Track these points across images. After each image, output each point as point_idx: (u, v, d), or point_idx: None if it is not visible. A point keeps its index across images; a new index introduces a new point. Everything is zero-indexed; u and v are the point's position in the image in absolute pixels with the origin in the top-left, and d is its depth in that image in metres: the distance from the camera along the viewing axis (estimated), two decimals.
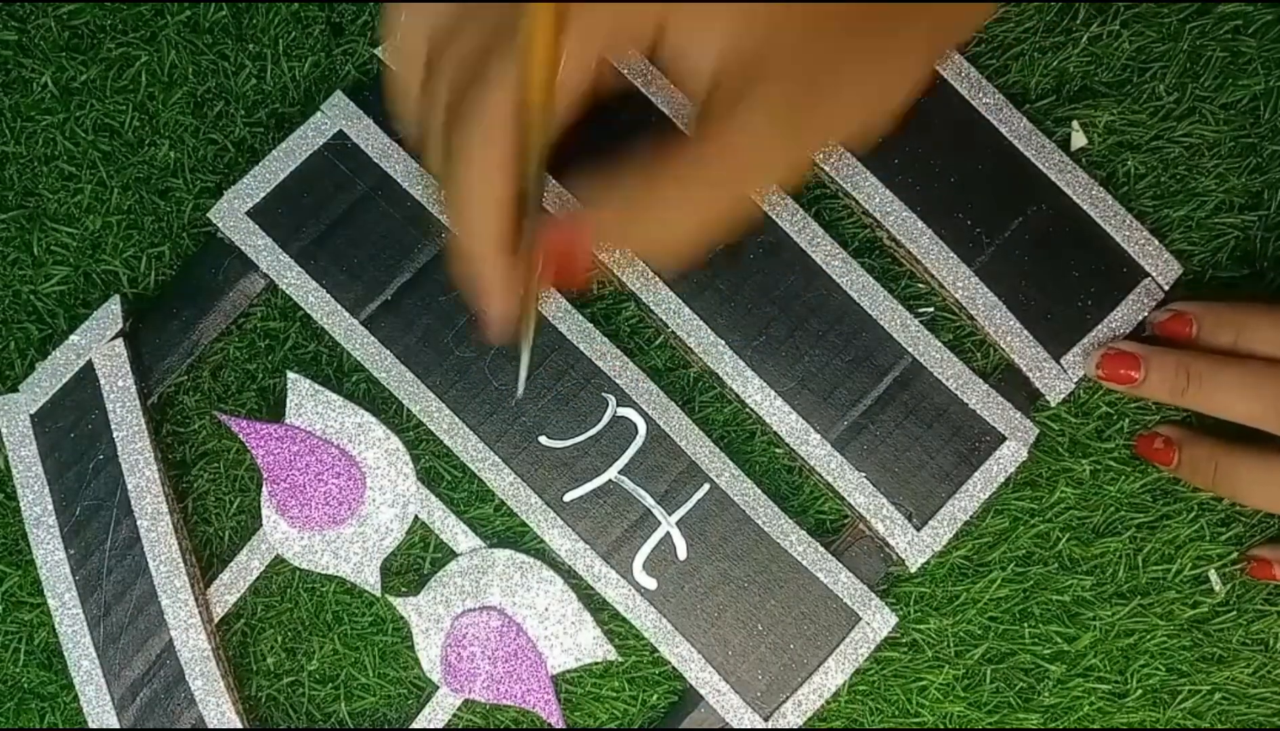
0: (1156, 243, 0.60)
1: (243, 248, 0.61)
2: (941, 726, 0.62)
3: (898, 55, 0.44)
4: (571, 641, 0.60)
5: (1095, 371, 0.59)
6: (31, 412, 0.61)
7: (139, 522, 0.60)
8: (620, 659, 0.61)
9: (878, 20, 0.43)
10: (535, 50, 0.39)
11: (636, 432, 0.60)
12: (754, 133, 0.42)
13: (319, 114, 0.61)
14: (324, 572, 0.61)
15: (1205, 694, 0.62)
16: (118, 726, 0.60)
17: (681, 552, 0.60)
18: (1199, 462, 0.59)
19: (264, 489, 0.61)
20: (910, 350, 0.60)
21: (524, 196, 0.43)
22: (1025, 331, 0.60)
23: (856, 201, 0.61)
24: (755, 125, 0.42)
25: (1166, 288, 0.60)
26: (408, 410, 0.61)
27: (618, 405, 0.61)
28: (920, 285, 0.62)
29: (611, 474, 0.60)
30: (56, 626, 0.60)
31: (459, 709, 0.61)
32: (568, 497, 0.60)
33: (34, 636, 0.63)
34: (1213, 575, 0.62)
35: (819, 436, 0.60)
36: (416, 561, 0.62)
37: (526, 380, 0.60)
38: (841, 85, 0.43)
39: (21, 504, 0.60)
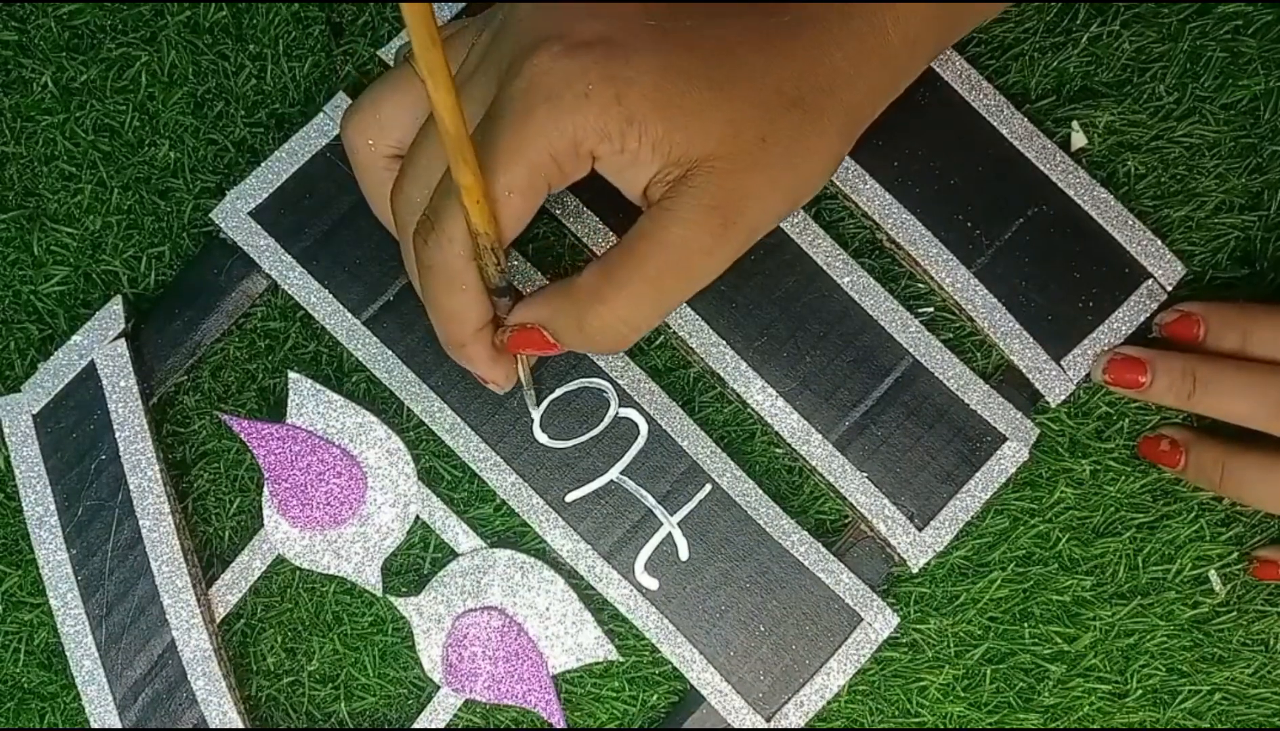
0: (1159, 243, 0.60)
1: (245, 248, 0.61)
2: (941, 726, 0.62)
3: (816, 140, 0.50)
4: (573, 641, 0.60)
5: (1102, 376, 0.59)
6: (34, 412, 0.61)
7: (141, 523, 0.60)
8: (621, 659, 0.61)
9: (792, 116, 0.49)
10: (468, 200, 0.46)
11: (638, 433, 0.60)
12: (686, 228, 0.48)
13: (321, 115, 0.61)
14: (325, 572, 0.61)
15: (1205, 694, 0.62)
16: (119, 726, 0.60)
17: (683, 553, 0.60)
18: (1206, 465, 0.59)
19: (265, 489, 0.61)
20: (911, 351, 0.60)
21: (492, 287, 0.52)
22: (1025, 333, 0.60)
23: (856, 204, 0.61)
24: (687, 221, 0.48)
25: (1169, 288, 0.60)
26: (408, 410, 0.61)
27: (619, 405, 0.61)
28: (920, 285, 0.62)
29: (613, 474, 0.61)
30: (58, 626, 0.60)
31: (460, 709, 0.61)
32: (569, 498, 0.60)
33: (34, 636, 0.62)
34: (1213, 575, 0.62)
35: (820, 437, 0.60)
36: (417, 561, 0.62)
37: (536, 403, 0.61)
38: (764, 178, 0.49)
39: (23, 504, 0.60)
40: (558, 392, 0.61)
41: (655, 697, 0.62)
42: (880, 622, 0.60)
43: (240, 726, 0.60)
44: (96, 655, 0.60)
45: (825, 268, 0.60)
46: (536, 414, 0.61)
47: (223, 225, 0.61)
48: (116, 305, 0.61)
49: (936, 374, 0.60)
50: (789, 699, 0.60)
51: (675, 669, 0.60)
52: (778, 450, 0.62)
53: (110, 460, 0.60)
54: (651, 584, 0.60)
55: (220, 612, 0.61)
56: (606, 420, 0.61)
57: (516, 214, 0.49)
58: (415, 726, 0.61)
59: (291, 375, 0.61)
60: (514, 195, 0.48)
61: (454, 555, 0.61)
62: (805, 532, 0.60)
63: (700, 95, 0.48)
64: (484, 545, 0.61)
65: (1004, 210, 0.60)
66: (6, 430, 0.61)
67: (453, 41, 0.52)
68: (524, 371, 0.58)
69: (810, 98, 0.50)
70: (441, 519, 0.61)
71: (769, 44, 0.49)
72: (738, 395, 0.61)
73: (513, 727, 0.62)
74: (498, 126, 0.47)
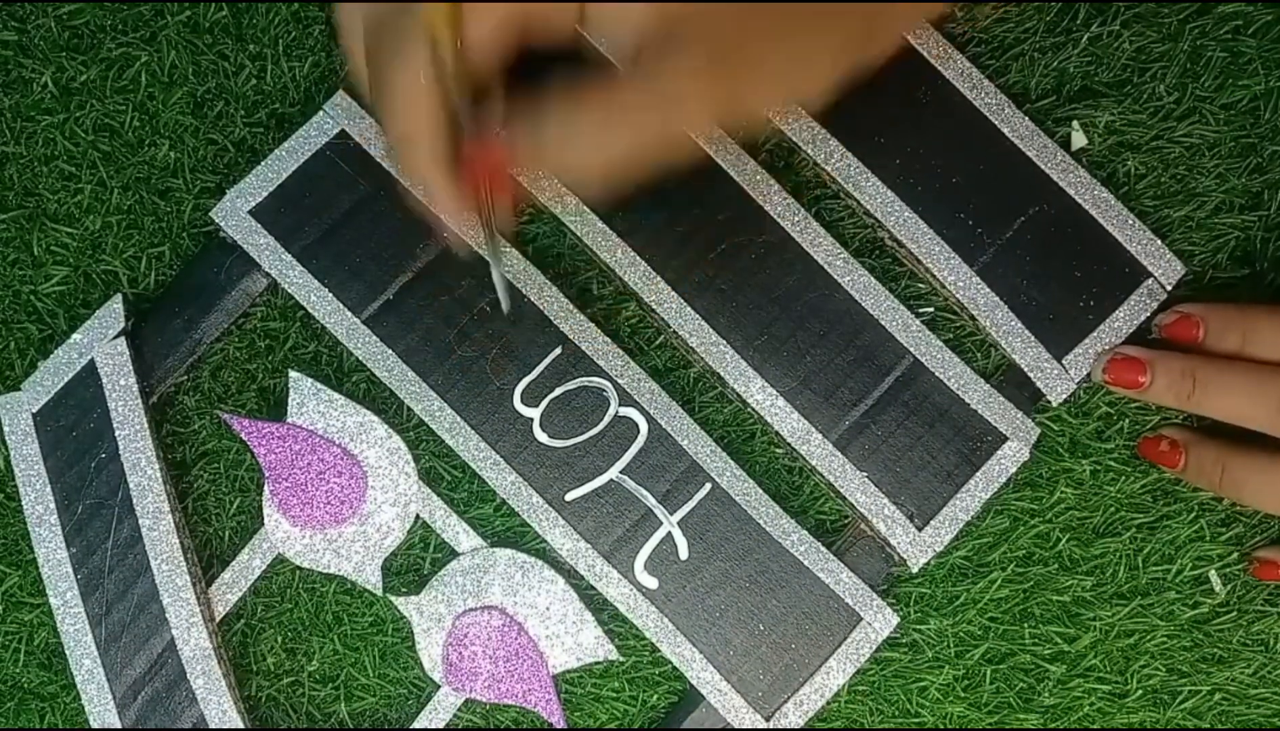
0: (1159, 242, 0.60)
1: (245, 247, 0.61)
2: (941, 726, 0.62)
3: (816, 48, 0.47)
4: (573, 641, 0.60)
5: (1102, 376, 0.59)
6: (34, 411, 0.61)
7: (140, 521, 0.60)
8: (621, 658, 0.61)
9: (792, 20, 0.46)
10: (434, 27, 0.44)
11: (638, 432, 0.60)
12: (676, 71, 0.45)
13: (321, 113, 0.61)
14: (325, 572, 0.61)
15: (1205, 694, 0.62)
16: (119, 725, 0.60)
17: (683, 552, 0.60)
18: (1205, 466, 0.59)
19: (266, 488, 0.61)
20: (912, 350, 0.60)
21: (455, 120, 0.48)
22: (1027, 332, 0.60)
23: (858, 202, 0.61)
24: (678, 66, 0.45)
25: (1169, 288, 0.60)
26: (408, 409, 0.61)
27: (619, 405, 0.61)
28: (921, 285, 0.62)
29: (613, 473, 0.60)
30: (58, 625, 0.60)
31: (459, 708, 0.61)
32: (569, 497, 0.60)
33: (34, 636, 0.62)
34: (1213, 575, 0.62)
35: (820, 436, 0.60)
36: (417, 561, 0.62)
37: (507, 297, 0.59)
38: (761, 59, 0.46)
39: (23, 502, 0.60)
40: (557, 392, 0.61)
41: (655, 697, 0.62)
42: (880, 622, 0.60)
43: (240, 725, 0.60)
44: (96, 653, 0.60)
45: (826, 267, 0.60)
46: (501, 289, 0.59)
47: (222, 224, 0.61)
48: (116, 304, 0.61)
49: (937, 373, 0.60)
50: (788, 698, 0.60)
51: (675, 668, 0.60)
52: (778, 450, 0.62)
53: (110, 458, 0.60)
54: (651, 583, 0.60)
55: (220, 611, 0.61)
56: (606, 419, 0.61)
57: (489, 33, 0.47)
58: (415, 726, 0.61)
59: (292, 374, 0.61)
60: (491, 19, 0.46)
61: (454, 554, 0.61)
62: (805, 532, 0.60)
63: None
64: (484, 544, 0.61)
65: (1005, 209, 0.60)
66: (6, 428, 0.61)
67: None
68: (487, 220, 0.54)
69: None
70: (442, 518, 0.61)
71: None
72: (738, 395, 0.61)
73: (513, 727, 0.62)
74: None
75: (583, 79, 0.46)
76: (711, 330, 0.60)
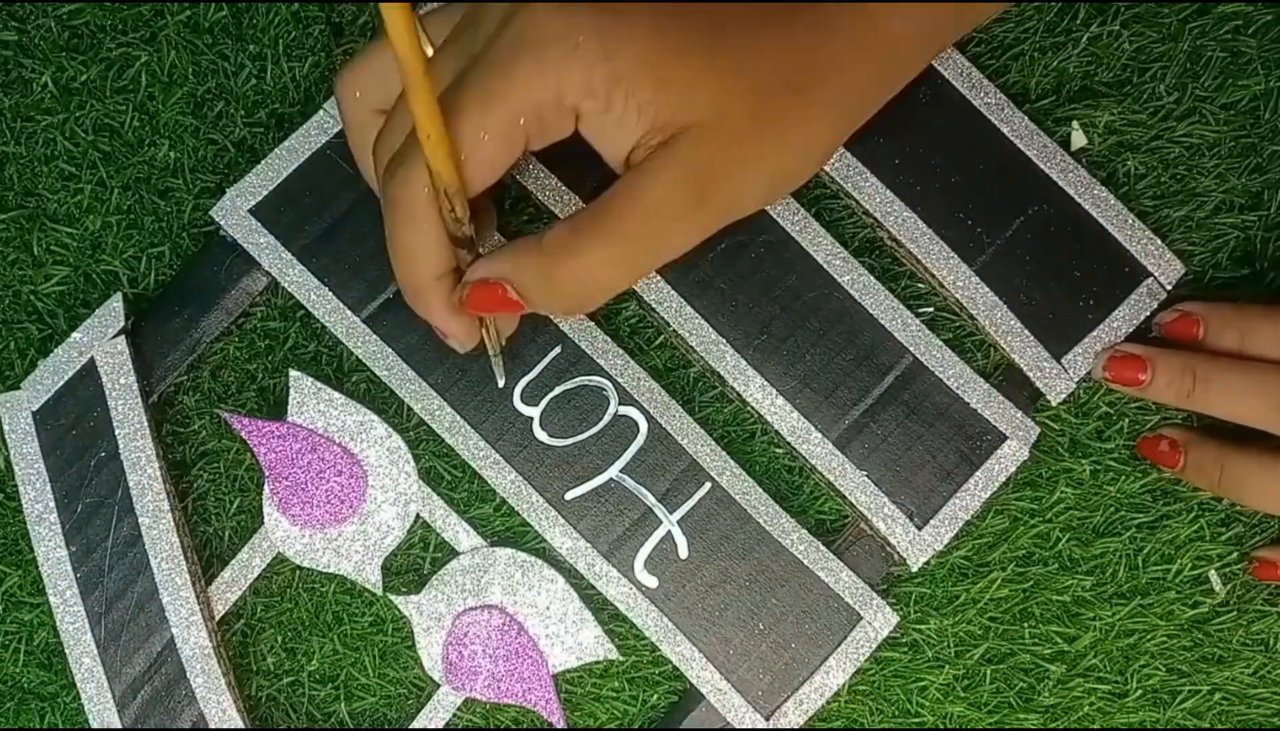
0: (1159, 242, 0.60)
1: (245, 245, 0.61)
2: (941, 726, 0.62)
3: (806, 127, 0.51)
4: (573, 640, 0.60)
5: (1103, 374, 0.59)
6: (33, 410, 0.61)
7: (140, 520, 0.60)
8: (621, 658, 0.61)
9: (784, 100, 0.49)
10: (420, 134, 0.44)
11: (638, 431, 0.60)
12: (665, 190, 0.48)
13: (322, 112, 0.61)
14: (325, 571, 0.61)
15: (1205, 694, 0.62)
16: (119, 724, 0.59)
17: (683, 551, 0.60)
18: (1205, 465, 0.59)
19: (265, 487, 0.61)
20: (911, 349, 0.60)
21: (455, 238, 0.51)
22: (1026, 331, 0.60)
23: (857, 201, 0.61)
24: (666, 183, 0.48)
25: (1169, 287, 0.60)
26: (408, 408, 0.61)
27: (619, 403, 0.61)
28: (920, 284, 0.62)
29: (613, 472, 0.60)
30: (58, 624, 0.60)
31: (459, 708, 0.61)
32: (569, 496, 0.60)
33: (34, 636, 0.62)
34: (1213, 575, 0.62)
35: (820, 435, 0.60)
36: (417, 560, 0.62)
37: (504, 372, 0.61)
38: (748, 154, 0.49)
39: (23, 501, 0.60)
40: (557, 391, 0.61)
41: (655, 697, 0.62)
42: (880, 621, 0.60)
43: (240, 725, 0.60)
44: (96, 652, 0.60)
45: (825, 266, 0.60)
46: (501, 380, 0.61)
47: (222, 222, 0.61)
48: (116, 302, 0.61)
49: (936, 372, 0.60)
50: (788, 697, 0.60)
51: (675, 668, 0.60)
52: (778, 449, 0.62)
53: (110, 457, 0.60)
54: (651, 582, 0.60)
55: (220, 610, 0.61)
56: (606, 418, 0.61)
57: (488, 159, 0.48)
58: (415, 726, 0.61)
59: (293, 373, 0.61)
60: (489, 138, 0.47)
61: (454, 554, 0.61)
62: (805, 531, 0.60)
63: (693, 62, 0.48)
64: (484, 544, 0.61)
65: (1004, 209, 0.60)
66: (6, 427, 0.61)
67: (450, 8, 0.53)
68: (490, 338, 0.58)
69: (804, 83, 0.50)
70: (442, 518, 0.61)
71: (767, 25, 0.49)
72: (737, 394, 0.61)
73: (513, 727, 0.62)
74: (481, 69, 0.47)
75: (582, 214, 0.50)
76: (711, 329, 0.60)
